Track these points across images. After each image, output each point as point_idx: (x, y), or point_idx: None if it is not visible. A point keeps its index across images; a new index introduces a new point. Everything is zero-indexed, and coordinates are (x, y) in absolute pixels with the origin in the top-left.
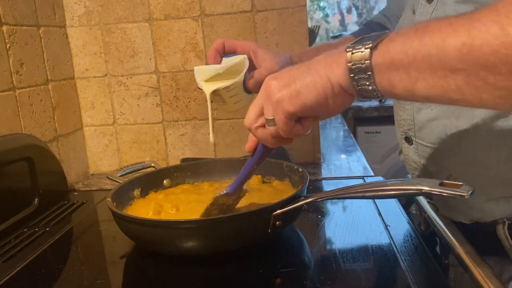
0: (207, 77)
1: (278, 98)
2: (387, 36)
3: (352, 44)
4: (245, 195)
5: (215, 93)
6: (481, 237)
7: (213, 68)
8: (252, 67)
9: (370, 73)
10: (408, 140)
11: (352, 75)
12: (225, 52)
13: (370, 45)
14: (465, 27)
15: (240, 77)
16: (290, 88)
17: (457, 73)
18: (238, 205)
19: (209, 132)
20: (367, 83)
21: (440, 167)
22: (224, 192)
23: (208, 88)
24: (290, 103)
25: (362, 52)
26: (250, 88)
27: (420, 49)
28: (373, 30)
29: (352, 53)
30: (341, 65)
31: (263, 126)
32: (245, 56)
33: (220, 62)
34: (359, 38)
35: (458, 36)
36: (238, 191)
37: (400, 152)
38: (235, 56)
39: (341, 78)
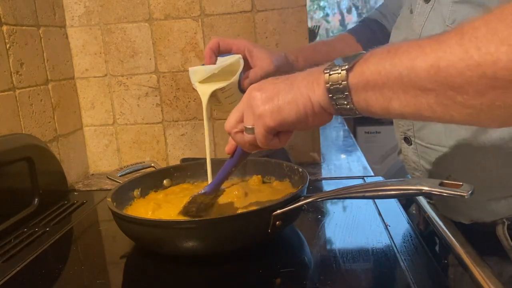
0: (202, 78)
1: (260, 112)
2: (362, 58)
3: (329, 65)
4: (222, 194)
5: (210, 93)
6: (481, 237)
7: (208, 69)
8: (247, 66)
9: (347, 93)
10: (407, 140)
11: (331, 95)
12: (220, 52)
13: (346, 66)
14: (432, 49)
15: (235, 77)
16: (272, 103)
17: (428, 93)
18: (237, 205)
19: (205, 134)
20: (345, 102)
21: (439, 167)
22: (203, 191)
23: (203, 90)
24: (271, 118)
25: (339, 73)
26: (245, 89)
27: (391, 70)
28: (370, 27)
29: (330, 75)
30: (320, 85)
31: (242, 132)
32: (240, 56)
33: (215, 62)
34: (338, 58)
35: (426, 58)
36: (216, 191)
37: (400, 152)
38: (230, 56)
39: (321, 98)
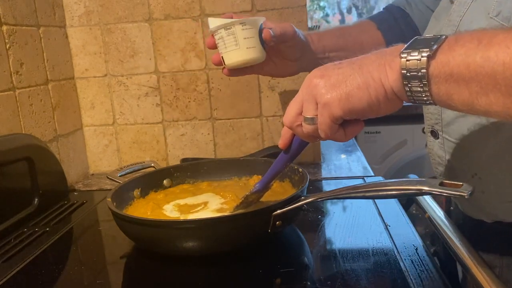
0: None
1: (325, 100)
2: (443, 42)
3: (406, 48)
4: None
5: (228, 31)
6: (502, 236)
7: (229, 19)
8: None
9: (425, 82)
10: (434, 134)
11: (406, 82)
12: None
13: (428, 53)
14: None
15: (257, 19)
16: (339, 89)
17: None
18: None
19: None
20: (422, 91)
21: (464, 163)
22: (255, 190)
23: (223, 21)
24: (339, 106)
25: (418, 60)
26: (265, 38)
27: (484, 64)
28: (393, 15)
29: (407, 60)
30: (395, 69)
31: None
32: (264, 18)
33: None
34: (413, 40)
35: None
36: (267, 188)
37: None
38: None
39: (395, 84)
